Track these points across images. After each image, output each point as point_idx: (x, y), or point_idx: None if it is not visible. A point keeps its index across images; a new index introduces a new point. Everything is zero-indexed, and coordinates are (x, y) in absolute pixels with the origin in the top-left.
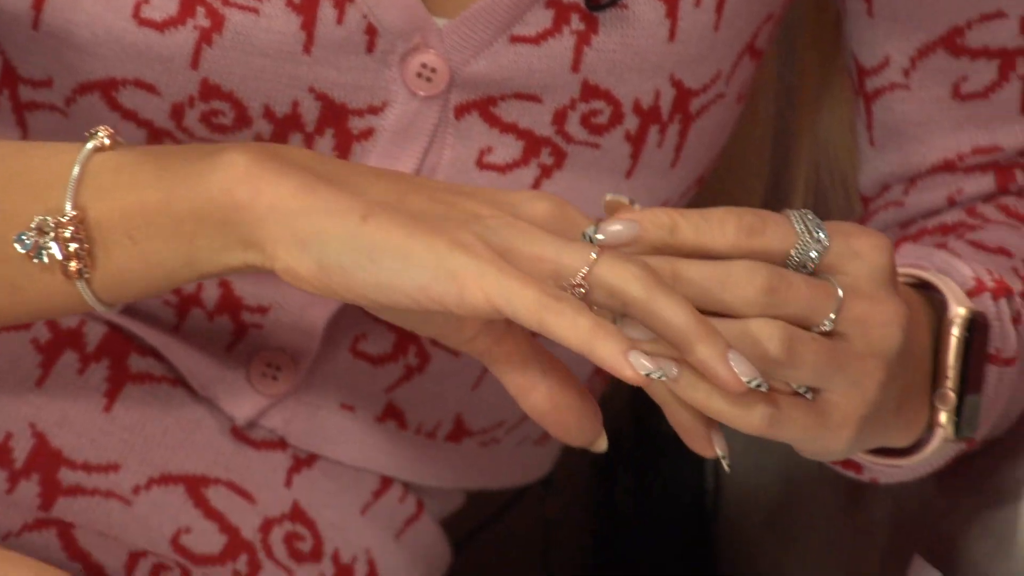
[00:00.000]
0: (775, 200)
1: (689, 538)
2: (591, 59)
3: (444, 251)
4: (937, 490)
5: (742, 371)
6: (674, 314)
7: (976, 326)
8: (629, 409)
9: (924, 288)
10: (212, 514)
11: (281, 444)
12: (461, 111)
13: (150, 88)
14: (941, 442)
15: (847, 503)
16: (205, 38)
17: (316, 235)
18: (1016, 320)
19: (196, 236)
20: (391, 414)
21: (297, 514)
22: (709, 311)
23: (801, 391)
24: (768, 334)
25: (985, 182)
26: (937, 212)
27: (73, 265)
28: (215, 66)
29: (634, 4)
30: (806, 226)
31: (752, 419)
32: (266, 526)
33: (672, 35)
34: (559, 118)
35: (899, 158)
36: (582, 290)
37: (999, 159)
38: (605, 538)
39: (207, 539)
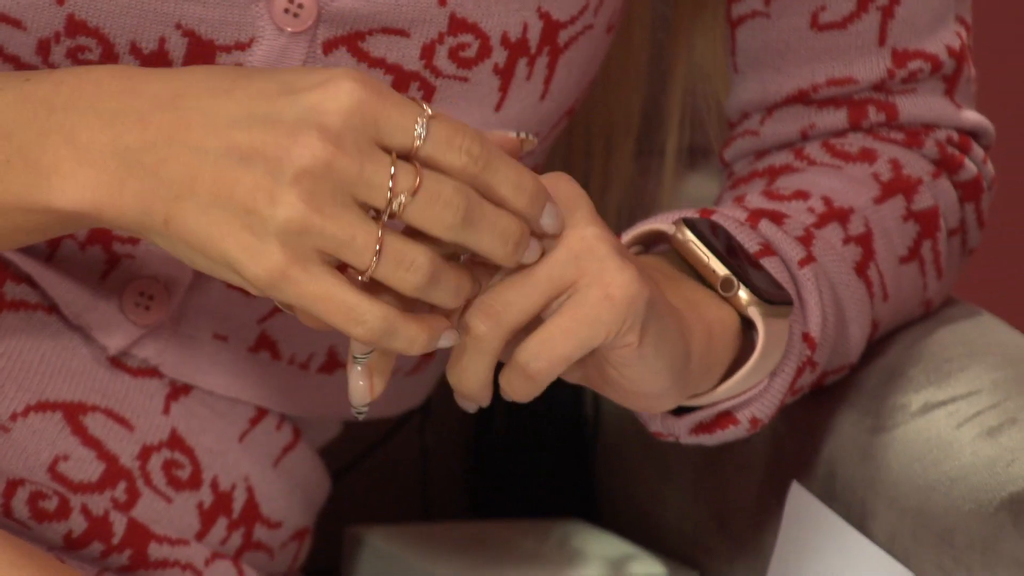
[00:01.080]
0: (652, 125)
1: (567, 467)
2: None
3: (238, 263)
4: (816, 415)
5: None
6: (446, 305)
7: (698, 224)
8: None
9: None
10: (90, 441)
11: (158, 372)
12: (329, 46)
13: (16, 23)
14: (763, 319)
15: None
16: None
17: (142, 233)
18: (807, 236)
19: (45, 231)
20: (264, 344)
21: (175, 441)
22: None
23: None
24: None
25: (838, 117)
26: (790, 144)
27: None
28: (80, 1)
29: None
30: None
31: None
32: (144, 453)
33: None
34: (427, 52)
35: (757, 86)
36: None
37: (852, 93)
38: (483, 467)
39: (85, 467)
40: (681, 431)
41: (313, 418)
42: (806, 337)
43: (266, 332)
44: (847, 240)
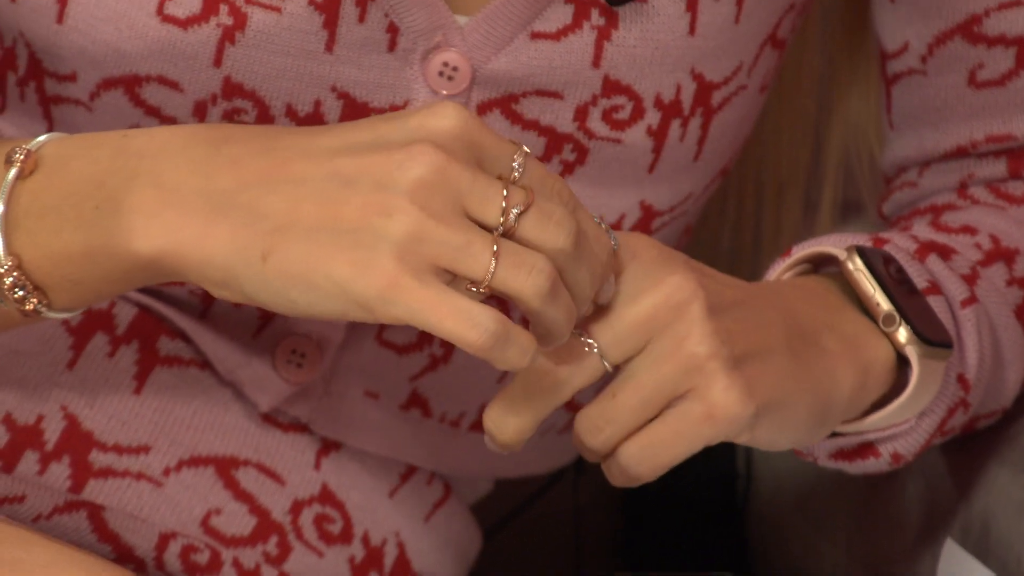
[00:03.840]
0: (809, 180)
1: (720, 523)
2: (611, 54)
3: (344, 281)
4: (970, 471)
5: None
6: (559, 328)
7: (868, 253)
8: None
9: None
10: (242, 495)
11: (308, 428)
12: (483, 109)
13: (173, 85)
14: (919, 359)
15: (879, 486)
16: (228, 36)
17: (229, 279)
18: (973, 276)
19: (131, 278)
20: (415, 403)
21: (326, 496)
22: None
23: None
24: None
25: (998, 167)
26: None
27: (28, 307)
28: (238, 64)
29: None
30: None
31: (617, 463)
32: (296, 508)
33: (692, 29)
34: (580, 114)
35: (915, 142)
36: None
37: (1013, 146)
38: (636, 523)
39: (237, 521)
40: (820, 454)
41: (464, 475)
42: (961, 379)
43: (417, 390)
44: (1011, 282)
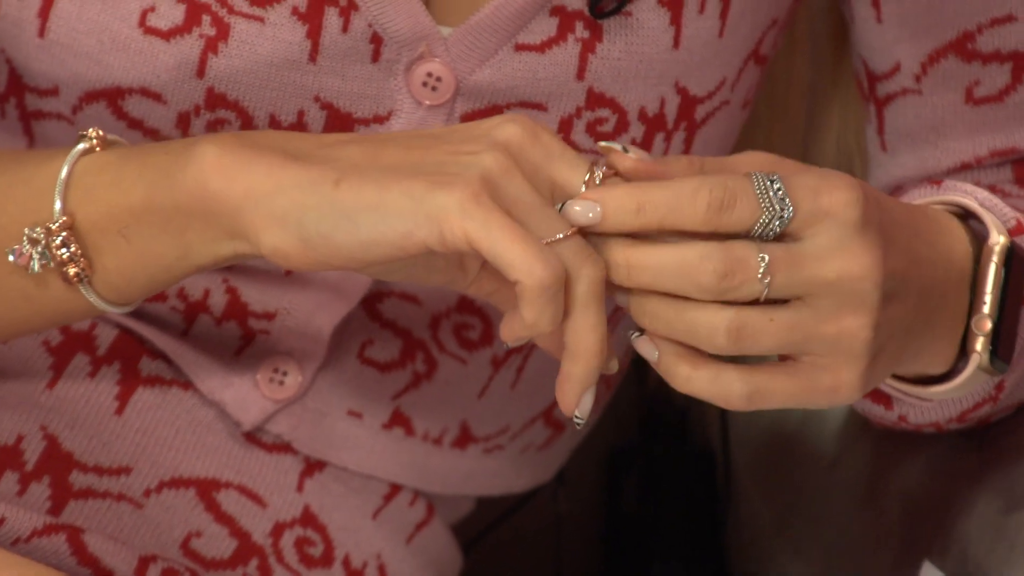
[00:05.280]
0: None
1: (700, 541)
2: (596, 67)
3: (421, 193)
4: (948, 494)
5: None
6: (587, 335)
7: (1014, 258)
8: (636, 409)
9: (966, 218)
10: (223, 518)
11: (292, 448)
12: (467, 119)
13: (156, 97)
14: (975, 370)
15: (858, 507)
16: (211, 47)
17: (293, 210)
18: None
19: (186, 230)
20: (398, 421)
21: (308, 519)
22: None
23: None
24: (714, 326)
25: (1004, 173)
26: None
27: (71, 271)
28: (221, 75)
29: (638, 11)
30: (771, 198)
31: (731, 397)
32: (277, 530)
33: (676, 42)
34: (565, 126)
35: (914, 162)
36: None
37: (1017, 157)
38: (615, 537)
39: (218, 543)
40: None
41: (447, 494)
42: (999, 384)
43: (400, 408)
44: None
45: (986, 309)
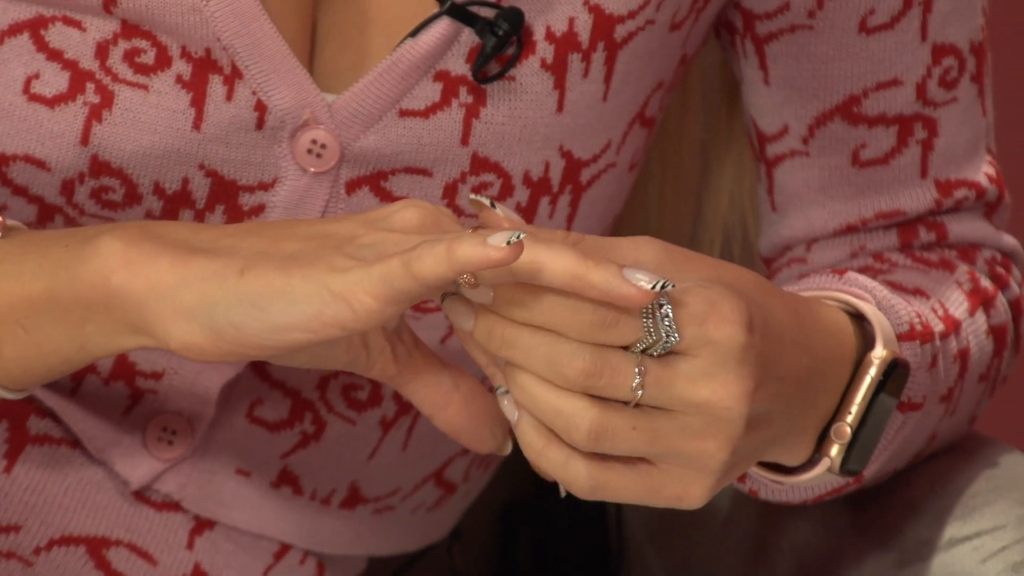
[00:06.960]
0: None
1: None
2: (480, 132)
3: (323, 276)
4: (841, 547)
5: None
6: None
7: (895, 369)
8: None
9: (862, 318)
10: None
11: (181, 507)
12: (352, 186)
13: (40, 164)
14: (824, 471)
15: (750, 564)
16: (95, 114)
17: (200, 302)
18: (932, 364)
19: (85, 322)
20: (286, 480)
21: None
22: None
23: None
24: (576, 422)
25: (888, 238)
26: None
27: None
28: (105, 143)
29: (522, 76)
30: (658, 325)
31: (574, 485)
32: None
33: (560, 106)
34: (449, 191)
35: (801, 223)
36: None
37: (901, 220)
38: None
39: None
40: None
41: (336, 553)
42: (859, 478)
43: (288, 467)
44: (955, 357)
45: (849, 419)
